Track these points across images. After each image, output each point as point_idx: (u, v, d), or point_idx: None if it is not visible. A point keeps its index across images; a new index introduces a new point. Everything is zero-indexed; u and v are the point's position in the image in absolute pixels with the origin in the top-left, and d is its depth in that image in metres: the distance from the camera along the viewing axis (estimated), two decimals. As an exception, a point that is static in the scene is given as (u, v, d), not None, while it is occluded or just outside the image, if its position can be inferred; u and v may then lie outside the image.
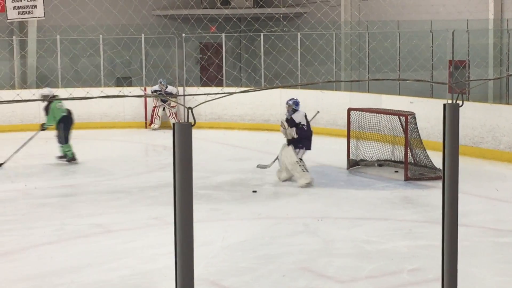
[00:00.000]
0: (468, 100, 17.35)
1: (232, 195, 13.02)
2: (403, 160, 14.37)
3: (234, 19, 20.47)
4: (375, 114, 15.46)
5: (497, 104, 17.80)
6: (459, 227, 4.84)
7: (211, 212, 11.74)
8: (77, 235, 10.49)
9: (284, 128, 13.70)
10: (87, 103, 21.35)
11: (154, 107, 21.73)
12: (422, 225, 10.94)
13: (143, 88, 21.83)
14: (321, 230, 10.62)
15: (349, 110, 15.53)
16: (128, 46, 22.44)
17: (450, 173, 4.72)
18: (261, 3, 25.74)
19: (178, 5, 23.36)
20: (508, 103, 18.83)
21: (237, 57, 25.93)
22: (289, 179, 13.85)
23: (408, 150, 14.28)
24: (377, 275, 8.66)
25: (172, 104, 21.46)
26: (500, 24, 19.86)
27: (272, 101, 20.69)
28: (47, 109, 16.42)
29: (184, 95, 21.34)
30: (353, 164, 15.24)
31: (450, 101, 4.76)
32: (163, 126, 21.58)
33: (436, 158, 13.84)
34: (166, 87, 21.43)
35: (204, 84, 23.30)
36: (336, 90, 21.18)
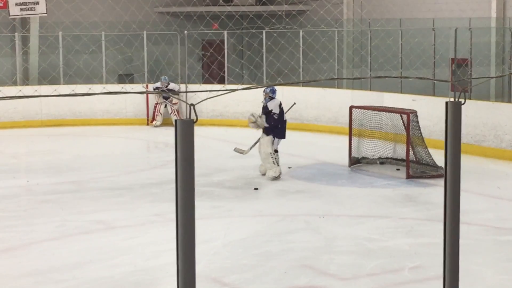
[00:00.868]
0: (470, 98, 17.33)
1: (234, 192, 13.03)
2: (405, 158, 14.37)
3: (237, 16, 20.48)
4: (377, 112, 15.46)
5: (499, 102, 17.80)
6: (460, 225, 4.84)
7: (212, 209, 11.75)
8: (79, 232, 10.50)
9: (254, 121, 13.81)
10: (89, 100, 21.37)
11: (156, 104, 21.72)
12: (423, 223, 10.94)
13: (145, 85, 21.83)
14: (323, 228, 10.63)
15: (351, 107, 15.52)
16: (131, 43, 22.45)
17: (452, 171, 4.72)
18: (263, 0, 25.73)
19: (180, 2, 23.35)
20: (510, 102, 18.83)
21: (239, 54, 25.93)
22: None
23: (410, 148, 14.28)
24: (378, 273, 8.67)
25: (174, 101, 21.46)
26: (502, 22, 19.85)
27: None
28: None
29: (186, 92, 21.35)
30: (354, 161, 15.24)
31: (452, 99, 4.76)
32: (165, 123, 21.58)
33: (438, 156, 13.84)
34: (168, 84, 21.43)
35: (206, 81, 23.28)
36: (338, 87, 21.17)
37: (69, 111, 21.72)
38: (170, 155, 16.45)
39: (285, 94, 20.71)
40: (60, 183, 13.79)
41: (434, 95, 18.89)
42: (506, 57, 19.45)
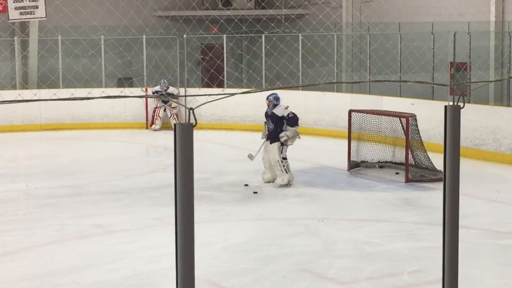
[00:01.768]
0: (469, 102, 17.35)
1: (233, 196, 13.02)
2: (404, 161, 14.36)
3: (236, 20, 20.49)
4: (376, 115, 15.46)
5: (498, 106, 17.80)
6: (459, 229, 4.84)
7: (212, 213, 11.74)
8: (78, 236, 10.49)
9: (286, 138, 13.50)
10: (88, 104, 21.37)
11: (155, 107, 21.72)
12: (422, 227, 10.94)
13: (144, 89, 21.83)
14: (322, 232, 10.62)
15: (350, 111, 15.52)
16: (130, 47, 22.45)
17: (451, 175, 4.72)
18: (262, 4, 25.74)
19: (179, 6, 23.35)
20: (509, 105, 18.83)
21: (238, 58, 25.94)
22: (273, 180, 13.83)
23: (409, 152, 14.28)
24: (377, 277, 8.66)
25: (173, 105, 21.46)
26: (501, 26, 19.86)
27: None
28: None
29: (185, 96, 21.35)
30: (354, 165, 15.24)
31: (451, 103, 4.77)
32: (164, 127, 21.58)
33: (437, 160, 13.84)
34: (167, 88, 21.43)
35: (205, 85, 23.31)
36: (337, 91, 21.18)
37: (68, 115, 21.73)
38: (169, 159, 16.45)
39: (284, 98, 20.71)
40: (59, 187, 13.78)
41: (433, 99, 18.90)
42: (505, 61, 19.46)
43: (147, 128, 21.84)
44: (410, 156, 14.29)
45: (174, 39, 22.52)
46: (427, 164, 14.35)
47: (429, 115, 17.02)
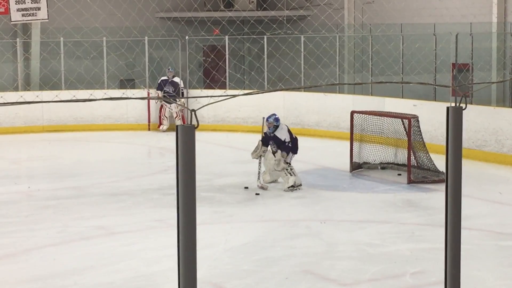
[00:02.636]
0: (471, 103, 17.32)
1: (235, 197, 13.02)
2: (406, 163, 14.36)
3: (238, 22, 20.47)
4: (378, 117, 15.46)
5: (500, 107, 17.78)
6: (462, 230, 4.84)
7: (214, 214, 11.74)
8: (80, 237, 10.50)
9: (279, 160, 13.62)
10: (90, 105, 21.38)
11: (161, 106, 21.63)
12: (425, 228, 10.93)
13: (144, 88, 21.81)
14: (324, 233, 10.62)
15: (352, 113, 15.52)
16: (132, 49, 22.45)
17: (453, 176, 4.72)
18: (264, 5, 25.76)
19: (181, 7, 23.36)
20: (511, 106, 18.82)
21: (240, 60, 25.94)
22: (273, 181, 13.84)
23: (411, 153, 14.27)
24: (379, 278, 8.66)
25: (180, 102, 21.39)
26: (503, 28, 19.85)
27: (275, 104, 20.68)
28: None
29: (187, 97, 21.35)
30: (356, 167, 15.23)
31: (453, 104, 4.76)
32: (172, 127, 21.42)
33: (439, 161, 13.82)
34: (173, 76, 21.39)
35: (207, 87, 23.28)
36: (339, 93, 21.17)
37: (70, 116, 21.74)
38: (171, 161, 16.44)
39: (286, 100, 20.72)
40: (61, 189, 13.79)
41: (435, 100, 18.89)
42: (507, 62, 19.45)
43: (149, 129, 21.82)
44: (412, 157, 14.28)
45: (176, 40, 22.52)
46: (429, 165, 14.34)
47: (431, 116, 17.01)
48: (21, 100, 18.13)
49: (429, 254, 9.54)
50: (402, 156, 14.91)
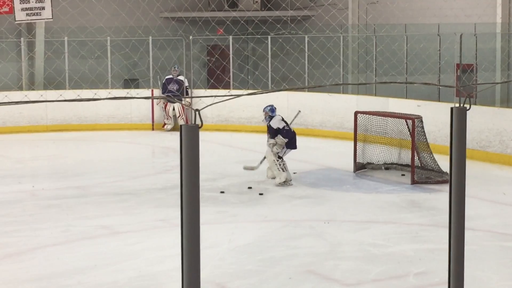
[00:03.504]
0: (475, 103, 17.31)
1: (239, 197, 13.02)
2: (410, 163, 14.35)
3: (242, 22, 20.51)
4: (382, 117, 15.45)
5: (504, 108, 17.77)
6: (466, 231, 4.83)
7: (217, 214, 11.75)
8: (84, 237, 10.51)
9: (274, 143, 13.81)
10: (95, 105, 21.39)
11: (165, 105, 21.61)
12: (428, 229, 10.92)
13: (149, 89, 21.82)
14: (328, 233, 10.62)
15: (356, 113, 15.52)
16: (136, 48, 22.45)
17: (457, 177, 4.72)
18: (268, 5, 25.75)
19: (186, 7, 23.38)
20: (515, 107, 18.79)
21: (245, 60, 25.93)
22: (275, 177, 13.97)
23: (415, 154, 14.26)
24: (383, 279, 8.66)
25: (185, 102, 21.32)
26: (508, 28, 19.83)
27: (279, 104, 20.62)
28: None
29: (191, 97, 21.34)
30: (359, 167, 15.22)
31: (457, 105, 4.76)
32: (177, 127, 21.39)
33: (443, 162, 13.81)
34: (178, 75, 21.40)
35: (211, 87, 23.29)
36: (343, 93, 21.16)
37: (75, 116, 21.75)
38: (175, 160, 16.45)
39: (290, 100, 20.71)
40: (65, 188, 13.80)
41: (439, 100, 18.87)
42: (512, 62, 19.43)
43: (153, 129, 21.81)
44: (416, 158, 14.27)
45: (180, 40, 22.53)
46: (433, 166, 14.33)
47: (435, 117, 17.00)
48: (26, 99, 18.15)
49: (433, 254, 9.53)
50: (406, 156, 14.89)
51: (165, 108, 21.68)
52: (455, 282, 4.74)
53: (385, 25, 21.25)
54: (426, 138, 14.56)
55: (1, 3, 20.13)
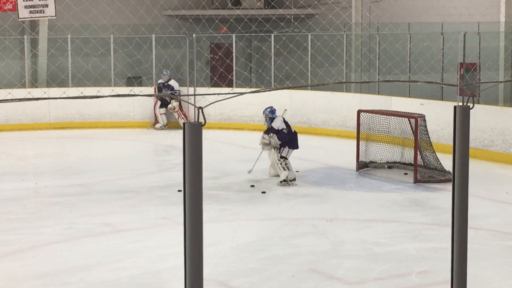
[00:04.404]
0: (478, 102, 17.27)
1: (241, 196, 13.02)
2: (412, 162, 14.34)
3: (245, 20, 20.50)
4: (385, 116, 15.44)
5: (507, 107, 17.74)
6: (468, 230, 4.83)
7: (220, 212, 11.75)
8: (87, 234, 10.52)
9: (267, 143, 13.87)
10: (98, 102, 21.38)
11: (155, 104, 21.55)
12: (431, 228, 10.92)
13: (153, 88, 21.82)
14: (330, 232, 10.62)
15: (359, 111, 15.51)
16: (139, 46, 22.46)
17: (460, 176, 4.71)
18: (272, 3, 25.75)
19: (189, 5, 23.39)
20: (519, 106, 18.77)
21: (248, 58, 25.93)
22: (277, 175, 14.00)
23: (418, 152, 14.25)
24: (385, 277, 8.66)
25: (170, 106, 21.15)
26: (511, 27, 19.80)
27: (282, 102, 20.67)
28: None
29: (194, 95, 21.35)
30: (362, 166, 15.22)
31: (460, 104, 4.76)
32: (172, 126, 21.40)
33: (446, 161, 13.80)
34: (169, 79, 21.35)
35: (215, 84, 23.29)
36: (346, 91, 21.15)
37: (78, 113, 21.76)
38: (178, 158, 16.45)
39: (294, 98, 20.71)
40: (68, 186, 13.81)
41: (442, 99, 18.85)
42: (515, 61, 19.40)
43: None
44: (419, 156, 14.26)
45: (183, 38, 22.52)
46: (436, 164, 14.32)
47: (438, 116, 16.99)
48: (29, 96, 18.16)
49: (436, 253, 9.53)
50: (408, 155, 14.89)
51: (154, 108, 21.58)
52: (457, 280, 4.74)
53: (389, 24, 21.25)
54: (429, 137, 14.55)
55: (5, 1, 20.15)
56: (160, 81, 21.55)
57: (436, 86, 19.31)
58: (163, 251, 9.67)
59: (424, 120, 14.48)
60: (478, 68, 19.06)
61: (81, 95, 16.89)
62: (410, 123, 14.84)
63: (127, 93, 21.62)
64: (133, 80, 22.97)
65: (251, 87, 23.14)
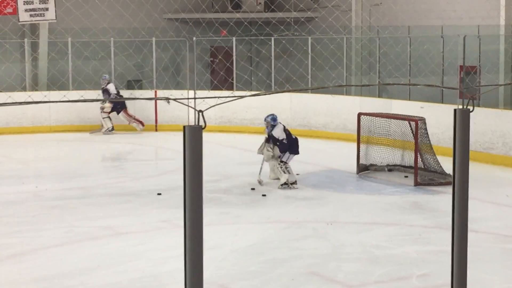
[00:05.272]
0: (478, 105, 17.29)
1: (242, 199, 13.03)
2: (413, 165, 14.34)
3: (245, 23, 20.49)
4: (386, 119, 15.45)
5: (507, 110, 17.76)
6: (468, 233, 4.84)
7: (220, 215, 11.75)
8: (87, 237, 10.51)
9: (272, 155, 13.93)
10: (98, 106, 21.39)
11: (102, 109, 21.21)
12: (431, 231, 10.92)
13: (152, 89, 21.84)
14: (330, 235, 10.62)
15: (359, 114, 15.52)
16: (139, 49, 22.49)
17: (460, 179, 4.72)
18: (272, 7, 25.78)
19: (189, 8, 23.38)
20: (519, 109, 18.78)
21: (248, 61, 25.95)
22: (277, 179, 14.01)
23: (418, 155, 14.25)
24: (386, 280, 8.66)
25: (105, 109, 20.94)
26: (511, 30, 19.82)
27: (282, 105, 20.71)
28: None
29: (194, 98, 21.33)
30: (363, 168, 15.22)
31: (460, 107, 4.76)
32: (121, 128, 21.16)
33: (446, 164, 13.80)
34: (107, 83, 21.01)
35: (215, 88, 23.32)
36: (346, 94, 21.16)
37: (78, 117, 21.77)
38: (178, 161, 16.44)
39: (294, 101, 20.72)
40: (68, 189, 13.82)
41: (442, 102, 18.87)
42: (515, 64, 19.43)
43: (156, 130, 21.78)
44: (419, 159, 14.27)
45: (183, 41, 22.54)
46: (436, 167, 14.32)
47: (439, 119, 17.00)
48: (29, 100, 18.17)
49: (436, 256, 9.53)
50: (409, 158, 14.90)
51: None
52: (458, 284, 4.74)
53: (389, 27, 21.26)
54: (429, 140, 14.55)
55: (5, 4, 20.16)
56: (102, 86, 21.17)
57: (436, 89, 19.32)
58: (163, 254, 9.67)
59: (425, 123, 14.49)
60: (478, 71, 19.07)
61: (81, 98, 16.88)
62: (410, 126, 14.85)
63: (127, 96, 21.65)
64: (134, 83, 22.97)
65: (251, 90, 23.15)
